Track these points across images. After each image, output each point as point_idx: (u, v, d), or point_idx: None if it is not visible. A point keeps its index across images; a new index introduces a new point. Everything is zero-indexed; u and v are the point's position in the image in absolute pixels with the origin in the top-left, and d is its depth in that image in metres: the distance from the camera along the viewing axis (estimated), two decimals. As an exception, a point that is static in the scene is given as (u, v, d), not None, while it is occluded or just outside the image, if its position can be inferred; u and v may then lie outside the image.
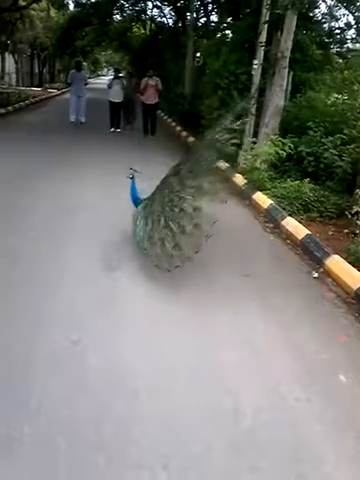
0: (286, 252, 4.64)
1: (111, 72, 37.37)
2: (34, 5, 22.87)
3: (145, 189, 4.38)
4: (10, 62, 29.43)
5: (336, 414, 2.43)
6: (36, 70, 34.04)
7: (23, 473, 1.97)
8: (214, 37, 13.69)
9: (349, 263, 3.99)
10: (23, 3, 20.84)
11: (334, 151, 6.06)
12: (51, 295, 3.38)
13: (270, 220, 5.43)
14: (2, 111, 14.18)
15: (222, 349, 2.89)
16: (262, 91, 7.75)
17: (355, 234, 4.70)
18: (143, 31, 27.21)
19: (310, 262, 4.34)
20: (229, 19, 13.72)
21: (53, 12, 28.56)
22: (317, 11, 9.19)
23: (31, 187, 6.08)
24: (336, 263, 4.05)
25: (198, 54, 17.10)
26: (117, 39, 28.09)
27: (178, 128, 12.89)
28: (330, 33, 8.93)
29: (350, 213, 4.77)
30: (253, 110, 7.74)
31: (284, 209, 5.48)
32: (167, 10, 21.68)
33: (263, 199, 5.91)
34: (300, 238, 4.69)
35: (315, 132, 6.49)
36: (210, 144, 4.30)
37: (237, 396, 2.48)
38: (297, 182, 5.96)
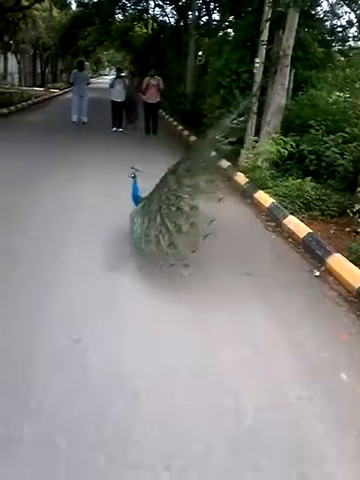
0: (288, 251, 4.62)
1: (113, 71, 37.37)
2: (37, 5, 22.91)
3: (146, 188, 4.37)
4: (13, 62, 29.53)
5: (338, 413, 2.42)
6: (38, 70, 34.12)
7: (23, 473, 1.97)
8: (216, 36, 13.69)
9: (351, 261, 3.97)
10: (26, 3, 20.88)
11: (336, 149, 6.04)
12: (51, 295, 3.38)
13: (272, 219, 5.42)
14: (4, 111, 14.22)
15: (223, 348, 2.88)
16: (264, 89, 7.73)
17: (357, 232, 4.69)
18: (145, 30, 27.23)
19: (312, 261, 4.32)
20: (231, 17, 13.72)
21: (55, 12, 28.59)
22: (319, 9, 9.23)
23: (33, 187, 6.09)
24: (338, 261, 4.04)
25: (200, 53, 17.11)
26: (119, 38, 28.13)
27: (180, 127, 12.89)
28: (332, 31, 8.93)
29: (352, 211, 4.76)
30: (255, 109, 7.72)
31: (286, 208, 5.47)
32: (169, 9, 21.74)
33: (265, 198, 5.89)
34: (302, 236, 4.68)
35: (317, 130, 6.48)
36: (210, 143, 4.30)
37: (239, 395, 2.47)
38: (299, 180, 5.95)
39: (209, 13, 17.13)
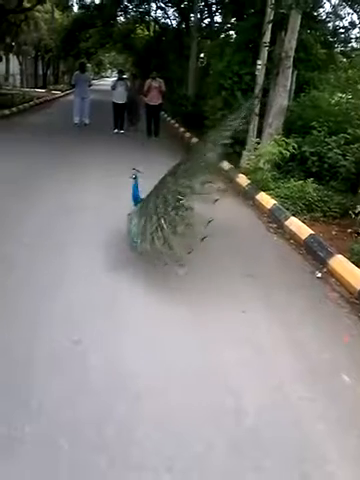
0: (289, 252, 4.62)
1: (115, 73, 37.43)
2: (39, 7, 22.94)
3: (147, 189, 4.38)
4: (14, 64, 29.63)
5: (339, 413, 2.41)
6: (40, 72, 34.20)
7: (24, 473, 1.96)
8: (218, 38, 13.69)
9: (353, 263, 3.97)
10: (28, 5, 20.92)
11: (338, 151, 6.04)
12: (51, 294, 3.39)
13: (273, 220, 5.41)
14: (6, 112, 14.24)
15: (225, 349, 2.88)
16: (266, 91, 7.73)
17: (359, 234, 4.68)
18: (147, 32, 27.26)
19: (313, 262, 4.32)
20: (233, 19, 13.72)
21: (57, 14, 28.67)
22: (321, 10, 9.26)
23: (34, 188, 6.11)
24: (340, 263, 4.03)
25: (202, 55, 17.14)
26: (121, 41, 28.17)
27: (181, 129, 12.90)
28: (334, 32, 8.94)
29: (354, 213, 4.75)
30: (257, 110, 7.72)
31: (287, 209, 5.47)
32: (171, 11, 21.77)
33: (266, 199, 5.89)
34: (304, 238, 4.67)
35: (319, 132, 6.47)
36: (209, 145, 4.33)
37: (240, 396, 2.46)
38: (301, 182, 5.94)
39: (211, 15, 17.16)
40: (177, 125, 13.99)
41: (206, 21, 17.52)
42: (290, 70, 7.31)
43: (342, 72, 8.65)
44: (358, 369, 2.77)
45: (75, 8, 25.75)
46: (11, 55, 28.23)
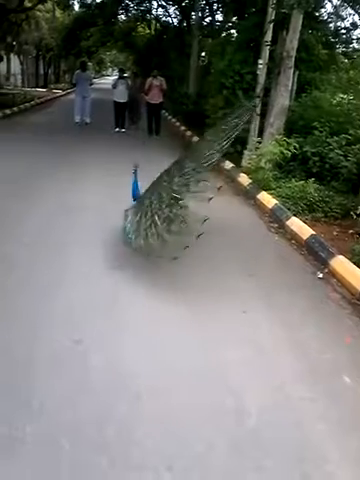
0: (291, 252, 4.61)
1: (116, 72, 37.44)
2: (40, 6, 22.91)
3: (147, 187, 4.39)
4: (16, 63, 29.63)
5: (340, 414, 2.41)
6: (41, 71, 34.20)
7: (25, 473, 1.96)
8: (219, 36, 13.67)
9: (354, 264, 3.96)
10: (29, 4, 20.89)
11: (339, 151, 6.03)
12: (51, 294, 3.39)
13: (275, 220, 5.41)
14: (8, 112, 14.25)
15: (226, 349, 2.87)
16: (267, 91, 7.72)
17: (360, 234, 4.68)
18: (148, 31, 27.24)
19: (315, 262, 4.31)
20: (234, 18, 13.70)
21: (58, 13, 28.65)
22: (323, 10, 9.23)
23: (35, 187, 6.11)
24: (341, 264, 4.03)
25: (203, 54, 17.11)
26: (122, 39, 28.15)
27: (182, 128, 12.89)
28: (336, 33, 8.92)
29: (355, 213, 4.75)
30: (258, 110, 7.71)
31: (289, 209, 5.46)
32: (172, 10, 21.72)
33: (268, 199, 5.88)
34: (305, 238, 4.67)
35: (320, 132, 6.47)
36: (209, 145, 4.37)
37: (241, 396, 2.46)
38: (302, 182, 5.94)
39: (212, 14, 17.13)
40: (178, 124, 13.98)
41: (207, 20, 17.52)
42: (291, 70, 7.30)
43: (344, 73, 8.65)
44: (359, 370, 2.77)
45: (76, 7, 25.77)
46: (12, 55, 28.22)
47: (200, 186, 3.96)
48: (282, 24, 7.35)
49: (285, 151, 6.45)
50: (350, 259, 4.05)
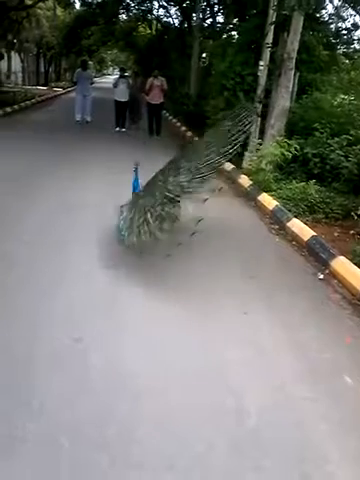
0: (291, 253, 4.61)
1: (117, 71, 37.43)
2: (40, 4, 22.92)
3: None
4: (16, 61, 29.62)
5: (341, 415, 2.41)
6: (42, 69, 34.19)
7: (25, 472, 1.96)
8: (220, 38, 13.67)
9: (355, 264, 3.96)
10: (29, 2, 20.89)
11: (340, 152, 6.02)
12: (51, 293, 3.39)
13: (275, 221, 5.40)
14: (8, 110, 14.23)
15: (226, 349, 2.87)
16: (268, 92, 7.72)
17: (361, 235, 4.68)
18: (149, 31, 27.21)
19: (316, 263, 4.31)
20: (235, 20, 13.69)
21: (59, 11, 28.62)
22: (324, 12, 9.23)
23: (35, 185, 6.10)
24: (342, 264, 4.03)
25: (204, 55, 17.10)
26: (123, 39, 28.11)
27: (183, 128, 12.88)
28: (337, 34, 8.93)
29: (356, 214, 4.75)
30: (259, 111, 7.71)
31: (289, 210, 5.46)
32: (173, 10, 21.67)
33: (268, 200, 5.88)
34: (306, 239, 4.66)
35: (321, 133, 6.46)
36: (205, 144, 4.44)
37: (241, 396, 2.46)
38: (303, 183, 5.94)
39: (213, 15, 17.11)
40: (179, 124, 13.97)
41: (208, 21, 17.48)
42: (292, 71, 7.30)
43: (345, 74, 8.65)
44: (360, 370, 2.77)
45: (77, 5, 25.66)
46: (13, 52, 28.20)
47: (197, 186, 4.01)
48: (283, 26, 7.35)
49: (286, 152, 6.45)
50: (351, 260, 4.05)
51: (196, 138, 10.49)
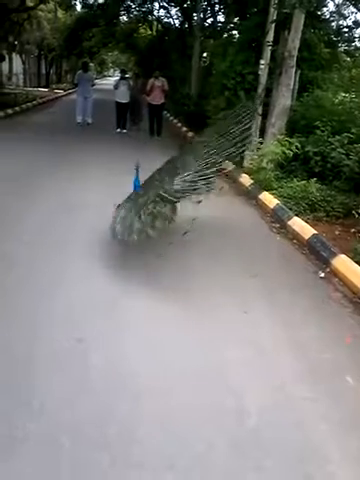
0: (292, 252, 4.60)
1: (117, 73, 37.46)
2: (41, 6, 22.95)
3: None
4: (17, 63, 29.67)
5: (341, 414, 2.39)
6: (43, 71, 34.23)
7: (26, 471, 1.95)
8: (221, 37, 13.67)
9: (356, 263, 3.95)
10: (31, 4, 20.94)
11: (341, 150, 6.00)
12: (51, 293, 3.39)
13: (276, 220, 5.39)
14: (10, 111, 14.26)
15: (227, 348, 2.86)
16: (269, 91, 7.72)
17: (362, 234, 4.66)
18: (150, 32, 27.23)
19: (317, 262, 4.29)
20: (236, 19, 13.70)
21: (60, 13, 28.67)
22: (325, 9, 9.24)
23: (36, 186, 6.11)
24: (343, 263, 4.01)
25: (205, 54, 17.10)
26: (124, 40, 28.16)
27: (184, 129, 12.87)
28: (338, 31, 8.92)
29: (357, 212, 4.73)
30: (260, 110, 7.70)
31: (290, 209, 5.44)
32: (174, 11, 21.65)
33: (269, 199, 5.87)
34: (307, 238, 4.65)
35: (322, 131, 6.45)
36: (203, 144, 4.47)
37: (242, 396, 2.45)
38: (304, 182, 5.92)
39: (214, 15, 17.10)
40: (180, 124, 13.97)
41: (209, 21, 17.45)
42: (293, 70, 7.29)
43: (346, 71, 8.64)
44: (361, 369, 2.76)
45: (78, 7, 25.74)
46: (14, 54, 28.26)
47: (202, 187, 4.03)
48: (284, 24, 7.35)
49: (287, 151, 6.44)
50: (352, 258, 4.03)
51: (197, 138, 10.50)
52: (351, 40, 9.03)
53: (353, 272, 3.82)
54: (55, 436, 2.12)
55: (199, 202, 3.89)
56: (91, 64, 26.30)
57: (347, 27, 8.78)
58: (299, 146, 6.46)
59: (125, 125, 12.00)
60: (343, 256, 4.09)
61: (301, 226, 4.92)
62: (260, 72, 7.71)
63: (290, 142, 6.52)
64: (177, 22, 21.53)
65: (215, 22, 16.96)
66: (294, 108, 7.45)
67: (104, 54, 41.84)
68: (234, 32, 12.98)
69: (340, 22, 8.99)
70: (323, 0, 8.11)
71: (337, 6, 8.65)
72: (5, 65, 26.28)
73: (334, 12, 8.75)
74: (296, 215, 5.23)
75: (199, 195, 4.29)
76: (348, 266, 3.93)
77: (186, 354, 2.79)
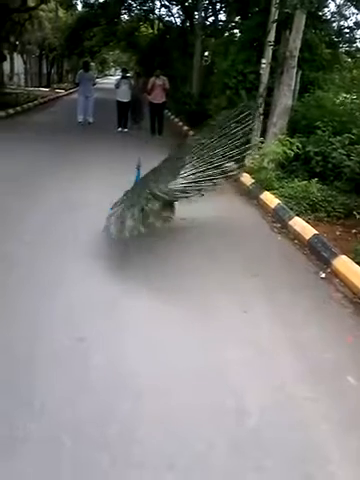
0: (293, 252, 4.60)
1: (118, 72, 37.42)
2: (43, 6, 22.92)
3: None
4: (19, 63, 29.68)
5: (342, 414, 2.39)
6: (44, 70, 34.21)
7: (26, 471, 1.96)
8: (222, 36, 13.68)
9: (357, 263, 3.94)
10: (32, 4, 20.94)
11: (342, 151, 6.00)
12: (52, 293, 3.39)
13: (278, 220, 5.39)
14: (11, 111, 14.26)
15: (227, 348, 2.86)
16: (270, 90, 7.72)
17: (363, 234, 4.65)
18: (151, 31, 27.23)
19: (317, 262, 4.29)
20: (237, 18, 13.70)
21: (61, 13, 28.65)
22: (326, 10, 9.22)
23: (37, 186, 6.11)
24: (344, 263, 4.01)
25: (206, 53, 17.09)
26: (125, 39, 28.16)
27: (185, 128, 12.87)
28: (339, 32, 8.90)
29: (358, 213, 4.73)
30: (261, 110, 7.70)
31: (291, 209, 5.44)
32: (175, 9, 21.66)
33: (271, 199, 5.87)
34: (308, 238, 4.65)
35: (323, 132, 6.45)
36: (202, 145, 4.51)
37: (242, 396, 2.45)
38: (305, 182, 5.92)
39: (215, 14, 17.08)
40: (181, 123, 13.96)
41: (210, 19, 17.45)
42: (294, 70, 7.29)
43: (347, 72, 8.64)
44: (361, 369, 2.76)
45: (79, 7, 25.71)
46: (15, 54, 28.27)
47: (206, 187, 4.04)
48: (285, 24, 7.35)
49: (288, 151, 6.44)
50: (353, 259, 4.03)
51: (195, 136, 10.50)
52: (352, 41, 9.01)
53: (354, 273, 3.82)
54: (56, 436, 2.13)
55: (191, 201, 3.94)
56: (92, 63, 26.35)
57: (348, 28, 8.76)
58: (300, 146, 6.47)
59: (126, 124, 12.00)
60: (344, 257, 4.09)
61: (302, 226, 4.92)
62: (261, 71, 7.72)
63: (291, 142, 6.52)
64: (178, 21, 21.57)
65: (216, 21, 16.97)
66: (295, 108, 7.45)
67: (105, 53, 41.84)
68: (235, 31, 12.99)
69: (341, 23, 8.98)
70: (324, 1, 8.10)
71: (338, 7, 8.64)
72: (6, 65, 26.24)
73: (335, 13, 8.73)
74: (297, 215, 5.23)
75: (199, 195, 4.30)
76: (349, 267, 3.93)
77: (186, 354, 2.79)
